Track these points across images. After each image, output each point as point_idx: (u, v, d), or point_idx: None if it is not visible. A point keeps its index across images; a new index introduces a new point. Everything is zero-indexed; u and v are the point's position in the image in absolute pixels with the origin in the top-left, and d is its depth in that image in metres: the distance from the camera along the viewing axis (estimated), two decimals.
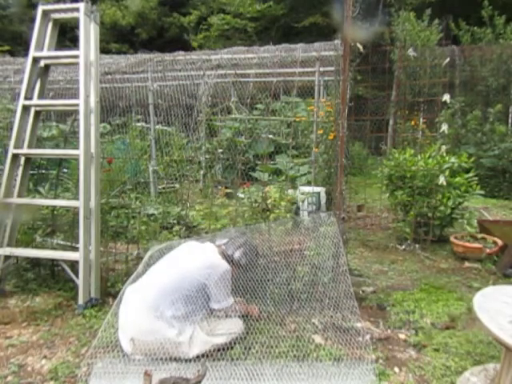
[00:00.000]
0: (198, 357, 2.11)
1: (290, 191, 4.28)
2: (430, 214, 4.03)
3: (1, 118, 4.61)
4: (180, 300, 2.17)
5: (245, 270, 2.46)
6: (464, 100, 7.94)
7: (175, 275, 2.27)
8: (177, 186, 6.02)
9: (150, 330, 2.10)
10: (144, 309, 2.15)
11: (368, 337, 2.38)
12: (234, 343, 2.23)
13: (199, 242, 2.58)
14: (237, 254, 2.46)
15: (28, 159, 3.08)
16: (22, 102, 2.97)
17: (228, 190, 5.90)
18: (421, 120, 6.61)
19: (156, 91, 6.83)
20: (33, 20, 3.00)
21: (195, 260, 2.35)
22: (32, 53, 2.98)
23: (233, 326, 2.30)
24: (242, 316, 2.42)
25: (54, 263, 3.18)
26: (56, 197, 3.55)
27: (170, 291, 2.19)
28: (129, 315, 2.20)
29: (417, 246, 4.12)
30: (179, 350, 2.11)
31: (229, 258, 2.43)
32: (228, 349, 2.19)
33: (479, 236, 3.97)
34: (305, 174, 6.08)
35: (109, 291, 2.92)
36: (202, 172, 7.03)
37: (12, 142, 2.94)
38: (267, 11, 16.89)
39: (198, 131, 7.19)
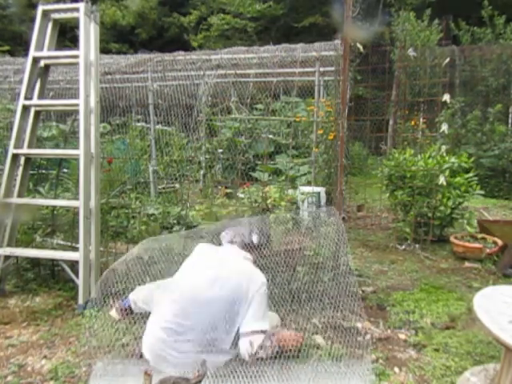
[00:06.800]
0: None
1: (290, 191, 4.28)
2: (429, 214, 4.03)
3: (1, 118, 4.61)
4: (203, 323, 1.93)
5: (265, 248, 2.28)
6: (464, 100, 7.95)
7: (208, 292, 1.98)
8: (177, 185, 6.02)
9: (163, 359, 1.94)
10: (160, 332, 1.97)
11: (368, 337, 2.39)
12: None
13: (214, 246, 2.34)
14: (254, 238, 2.26)
15: (28, 159, 3.07)
16: (22, 101, 2.97)
17: (228, 190, 5.90)
18: (421, 120, 6.60)
19: (156, 91, 6.83)
20: (33, 20, 3.00)
21: (231, 273, 2.06)
22: (32, 53, 2.98)
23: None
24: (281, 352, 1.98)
25: (54, 263, 3.18)
26: (56, 197, 3.55)
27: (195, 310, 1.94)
28: (148, 332, 2.06)
29: (417, 245, 4.12)
30: None
31: (251, 245, 2.24)
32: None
33: (479, 236, 3.96)
34: (305, 174, 6.08)
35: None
36: (201, 172, 7.03)
37: (12, 142, 2.94)
38: (267, 11, 16.91)
39: (198, 131, 7.19)
